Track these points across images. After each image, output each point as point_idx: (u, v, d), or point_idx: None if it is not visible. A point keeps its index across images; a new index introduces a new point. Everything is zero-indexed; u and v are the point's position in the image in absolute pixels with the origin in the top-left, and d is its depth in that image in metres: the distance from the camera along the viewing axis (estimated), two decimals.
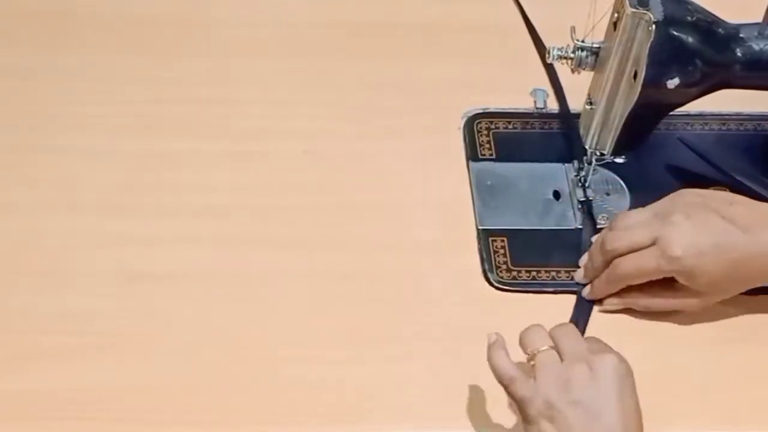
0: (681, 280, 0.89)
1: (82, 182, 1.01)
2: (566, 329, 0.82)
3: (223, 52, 1.15)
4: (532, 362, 0.80)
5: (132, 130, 1.06)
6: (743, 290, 0.91)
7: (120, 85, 1.10)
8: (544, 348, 0.80)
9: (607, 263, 0.92)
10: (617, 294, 0.93)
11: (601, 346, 0.81)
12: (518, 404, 0.79)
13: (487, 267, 0.96)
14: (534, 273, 0.96)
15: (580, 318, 0.93)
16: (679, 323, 0.93)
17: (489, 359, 0.81)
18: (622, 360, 0.79)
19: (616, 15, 0.91)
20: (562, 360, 0.79)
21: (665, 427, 0.87)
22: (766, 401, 0.89)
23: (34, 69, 1.11)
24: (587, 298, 0.94)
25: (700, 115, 1.08)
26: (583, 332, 0.90)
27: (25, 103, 1.08)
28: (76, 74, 1.11)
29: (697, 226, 0.88)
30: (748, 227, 0.87)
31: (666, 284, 0.90)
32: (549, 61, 0.96)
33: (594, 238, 0.96)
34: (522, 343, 0.81)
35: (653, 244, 0.88)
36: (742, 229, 0.87)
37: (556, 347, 0.80)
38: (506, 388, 0.80)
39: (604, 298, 0.93)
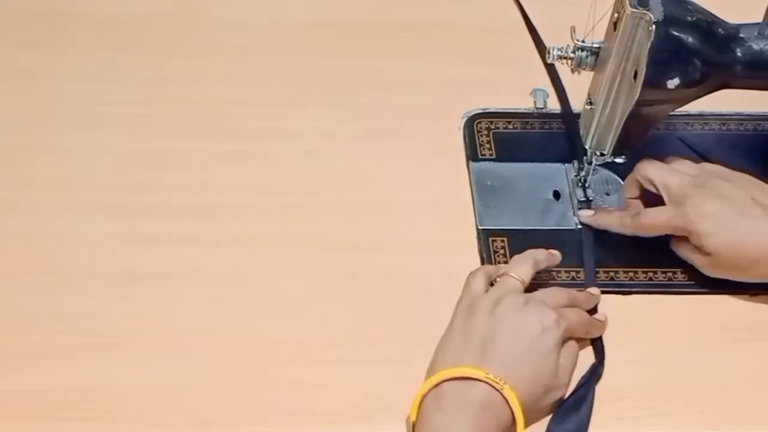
0: (691, 238, 0.92)
1: (82, 182, 1.01)
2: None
3: (223, 52, 1.15)
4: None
5: (132, 130, 1.06)
6: (762, 273, 0.91)
7: (120, 85, 1.10)
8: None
9: (635, 184, 0.97)
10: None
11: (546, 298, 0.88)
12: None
13: None
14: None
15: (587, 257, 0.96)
16: (680, 323, 0.93)
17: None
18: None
19: (616, 15, 0.91)
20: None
21: (666, 426, 0.87)
22: (766, 401, 0.89)
23: (34, 69, 1.11)
24: (586, 220, 0.98)
25: (700, 115, 1.08)
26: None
27: (25, 103, 1.08)
28: (76, 74, 1.11)
29: (725, 197, 0.91)
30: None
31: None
32: (549, 61, 0.96)
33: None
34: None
35: (677, 196, 0.92)
36: (765, 208, 0.90)
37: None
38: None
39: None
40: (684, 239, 0.93)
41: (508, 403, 0.81)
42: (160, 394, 0.87)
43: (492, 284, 0.90)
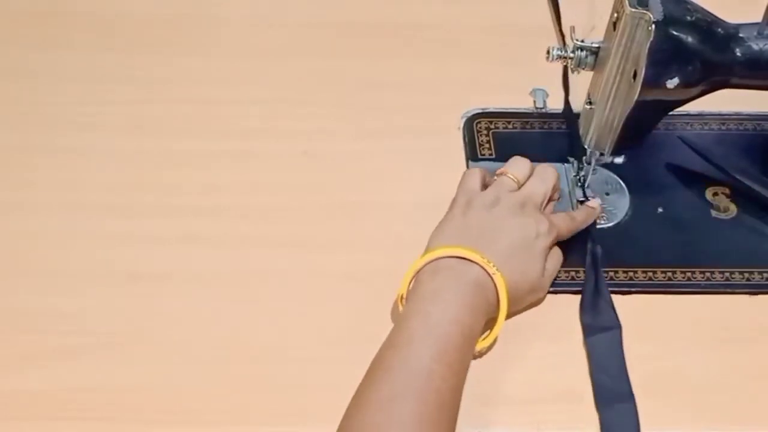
0: None
1: (82, 182, 1.01)
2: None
3: (223, 52, 1.15)
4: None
5: (132, 130, 1.06)
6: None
7: (120, 85, 1.10)
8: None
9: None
10: None
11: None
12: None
13: None
14: None
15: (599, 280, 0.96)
16: (680, 323, 0.93)
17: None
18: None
19: (615, 15, 0.91)
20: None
21: (666, 426, 0.87)
22: (767, 401, 0.89)
23: (34, 69, 1.11)
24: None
25: (700, 115, 1.08)
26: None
27: (25, 103, 1.08)
28: (76, 74, 1.11)
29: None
30: None
31: None
32: (549, 61, 0.96)
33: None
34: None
35: None
36: None
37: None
38: None
39: None
40: None
41: (496, 289, 0.86)
42: (160, 394, 0.87)
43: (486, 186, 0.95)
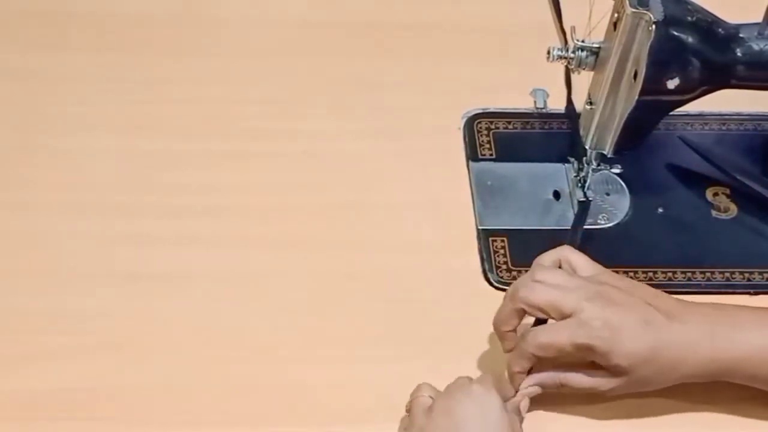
0: (596, 357, 0.82)
1: (82, 182, 1.01)
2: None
3: (223, 51, 1.15)
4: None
5: (132, 130, 1.06)
6: (666, 382, 0.84)
7: (120, 85, 1.10)
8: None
9: (517, 314, 0.84)
10: (530, 372, 0.85)
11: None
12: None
13: (487, 267, 0.96)
14: None
15: None
16: None
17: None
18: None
19: (616, 15, 0.91)
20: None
21: (665, 426, 0.87)
22: (767, 401, 0.89)
23: (34, 69, 1.11)
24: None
25: (700, 115, 1.08)
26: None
27: (25, 103, 1.08)
28: (76, 74, 1.11)
29: (620, 305, 0.82)
30: (672, 314, 0.83)
31: (584, 363, 0.84)
32: (549, 61, 0.96)
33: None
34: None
35: (570, 315, 0.82)
36: (665, 314, 0.83)
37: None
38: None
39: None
40: (576, 366, 0.84)
41: None
42: (160, 394, 0.87)
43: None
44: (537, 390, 0.85)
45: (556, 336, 0.82)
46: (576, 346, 0.81)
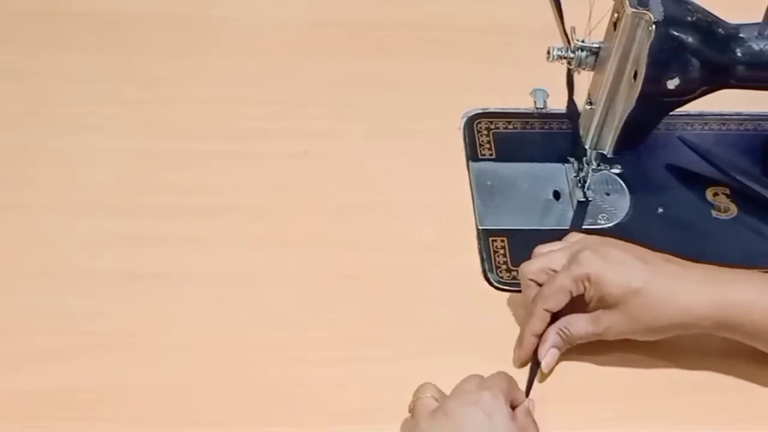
0: (593, 290, 0.86)
1: (82, 182, 1.01)
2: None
3: (223, 52, 1.15)
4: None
5: (131, 130, 1.06)
6: (661, 320, 0.86)
7: (119, 85, 1.10)
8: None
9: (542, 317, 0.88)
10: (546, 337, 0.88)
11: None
12: None
13: (487, 267, 0.96)
14: None
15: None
16: None
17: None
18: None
19: (616, 15, 0.91)
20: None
21: (665, 427, 0.87)
22: (766, 401, 0.89)
23: (34, 69, 1.11)
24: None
25: (700, 115, 1.08)
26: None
27: (25, 103, 1.08)
28: (76, 74, 1.11)
29: (617, 248, 0.88)
30: (671, 259, 0.87)
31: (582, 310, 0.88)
32: (550, 61, 0.96)
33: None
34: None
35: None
36: (663, 258, 0.87)
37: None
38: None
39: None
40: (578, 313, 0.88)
41: None
42: (160, 394, 0.87)
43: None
44: (555, 355, 0.88)
45: (558, 280, 0.87)
46: (574, 279, 0.86)
